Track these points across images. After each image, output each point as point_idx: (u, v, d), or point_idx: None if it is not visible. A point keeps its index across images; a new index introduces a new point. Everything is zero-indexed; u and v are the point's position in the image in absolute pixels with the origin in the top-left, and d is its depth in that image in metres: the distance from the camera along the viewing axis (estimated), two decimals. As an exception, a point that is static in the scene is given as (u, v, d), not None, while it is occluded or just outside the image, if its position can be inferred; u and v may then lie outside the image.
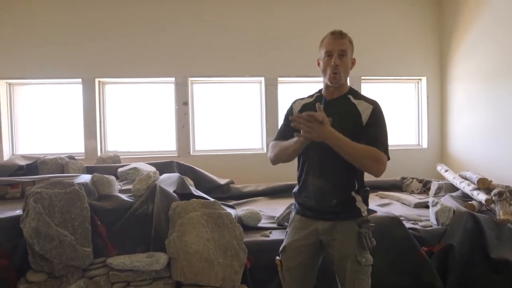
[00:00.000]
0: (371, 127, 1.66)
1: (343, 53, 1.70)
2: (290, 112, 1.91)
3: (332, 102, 1.77)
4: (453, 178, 3.57)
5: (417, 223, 2.81)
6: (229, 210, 2.53)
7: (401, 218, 2.76)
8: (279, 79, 4.59)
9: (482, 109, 4.16)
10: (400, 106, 5.02)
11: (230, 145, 4.64)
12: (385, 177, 4.38)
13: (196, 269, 2.24)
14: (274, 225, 2.78)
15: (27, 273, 2.19)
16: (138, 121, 4.56)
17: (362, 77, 4.71)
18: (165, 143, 4.55)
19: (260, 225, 2.76)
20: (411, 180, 4.24)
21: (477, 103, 4.24)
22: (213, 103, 4.66)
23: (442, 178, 3.92)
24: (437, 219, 2.75)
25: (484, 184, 3.13)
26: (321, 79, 1.84)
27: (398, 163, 4.70)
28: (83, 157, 4.24)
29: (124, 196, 2.52)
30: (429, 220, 2.87)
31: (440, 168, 3.97)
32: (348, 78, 1.82)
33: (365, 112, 1.69)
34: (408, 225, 2.71)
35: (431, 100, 4.88)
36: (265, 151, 4.56)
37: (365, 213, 1.76)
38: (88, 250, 2.24)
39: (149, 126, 4.58)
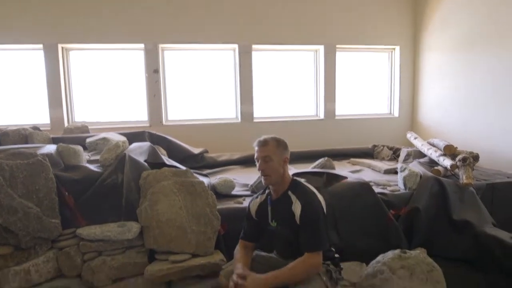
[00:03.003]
0: (302, 228, 1.83)
1: (267, 159, 1.89)
2: (248, 212, 2.10)
3: (276, 202, 1.97)
4: (422, 145, 3.68)
5: (386, 188, 2.90)
6: (202, 178, 2.50)
7: (371, 184, 2.83)
8: (254, 46, 4.48)
9: (453, 79, 4.25)
10: (374, 75, 5.05)
11: (204, 114, 4.57)
12: (357, 145, 4.50)
13: (169, 237, 2.24)
14: (248, 193, 2.80)
15: (-8, 246, 2.11)
16: (107, 90, 4.37)
17: (337, 46, 4.68)
18: (136, 113, 4.41)
19: (234, 192, 2.77)
20: (382, 147, 4.34)
21: (448, 73, 4.32)
22: (186, 71, 4.52)
23: (412, 145, 4.03)
24: (404, 184, 2.84)
25: (450, 150, 3.24)
26: (298, 47, 1.91)
27: (369, 132, 4.81)
28: (49, 128, 4.05)
29: (92, 166, 2.44)
30: (397, 185, 2.96)
31: (410, 136, 4.07)
32: (286, 172, 1.97)
33: (297, 212, 1.85)
34: (377, 190, 2.79)
35: (404, 70, 4.94)
36: (239, 120, 4.52)
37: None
38: (55, 221, 2.18)
39: (118, 95, 4.40)
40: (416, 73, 4.92)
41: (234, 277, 1.77)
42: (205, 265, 2.19)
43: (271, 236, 2.02)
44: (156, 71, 4.27)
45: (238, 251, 2.03)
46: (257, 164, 1.95)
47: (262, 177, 1.94)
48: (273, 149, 1.91)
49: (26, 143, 3.37)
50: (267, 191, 2.06)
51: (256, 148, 1.95)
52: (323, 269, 1.87)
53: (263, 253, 2.07)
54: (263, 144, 1.92)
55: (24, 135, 3.42)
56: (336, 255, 2.00)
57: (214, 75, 4.58)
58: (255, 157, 1.96)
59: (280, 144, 1.95)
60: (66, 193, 2.26)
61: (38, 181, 2.17)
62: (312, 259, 1.78)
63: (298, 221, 1.85)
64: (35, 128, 3.65)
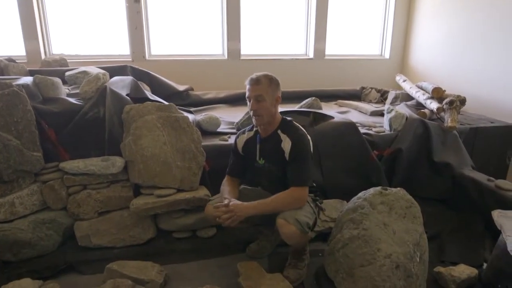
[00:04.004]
0: (291, 164, 1.87)
1: (260, 98, 1.83)
2: (235, 147, 2.10)
3: (265, 140, 1.97)
4: (410, 88, 3.66)
5: (371, 129, 2.91)
6: (186, 114, 2.45)
7: (357, 125, 2.84)
8: (242, -23, 4.18)
9: (446, 23, 4.12)
10: (366, 14, 4.84)
11: (190, 50, 4.37)
12: (345, 86, 4.44)
13: (153, 172, 2.24)
14: (234, 130, 2.78)
15: (-28, 179, 2.08)
16: (85, 20, 4.09)
17: (331, -21, 4.40)
18: (117, 46, 4.18)
19: (219, 130, 2.75)
20: (370, 90, 4.30)
21: (443, 17, 4.18)
22: (170, 2, 4.22)
23: (401, 88, 4.01)
24: (390, 125, 2.86)
25: (438, 93, 3.23)
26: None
27: (359, 73, 4.73)
28: (25, 61, 3.83)
29: (72, 99, 2.35)
30: (382, 126, 2.98)
31: (399, 78, 4.03)
32: (277, 112, 1.96)
33: (286, 149, 1.88)
34: (363, 130, 2.81)
35: (399, 9, 4.73)
36: (226, 57, 4.36)
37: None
38: (37, 154, 2.14)
39: (99, 26, 4.13)
40: (411, 13, 4.73)
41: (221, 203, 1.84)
42: (190, 200, 2.23)
43: (257, 173, 2.04)
44: (137, 0, 3.97)
45: (224, 185, 2.06)
46: (248, 104, 1.89)
47: (254, 117, 1.89)
48: (265, 88, 1.85)
49: (2, 75, 3.21)
50: (255, 129, 2.04)
51: (248, 87, 1.88)
52: (310, 198, 1.93)
53: (249, 187, 2.11)
54: (256, 82, 1.85)
55: (-2, 67, 3.23)
56: (318, 192, 2.07)
57: (200, 8, 4.31)
58: (246, 96, 1.90)
59: (272, 82, 1.89)
60: (47, 126, 2.20)
61: (16, 113, 2.08)
62: (298, 193, 1.83)
63: (287, 158, 1.87)
64: (11, 60, 3.46)
